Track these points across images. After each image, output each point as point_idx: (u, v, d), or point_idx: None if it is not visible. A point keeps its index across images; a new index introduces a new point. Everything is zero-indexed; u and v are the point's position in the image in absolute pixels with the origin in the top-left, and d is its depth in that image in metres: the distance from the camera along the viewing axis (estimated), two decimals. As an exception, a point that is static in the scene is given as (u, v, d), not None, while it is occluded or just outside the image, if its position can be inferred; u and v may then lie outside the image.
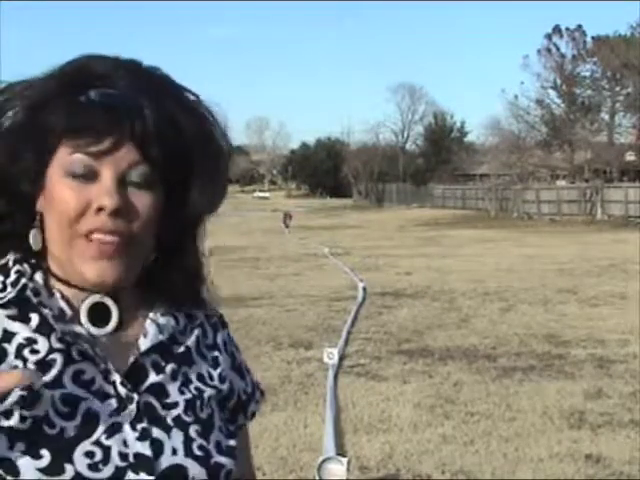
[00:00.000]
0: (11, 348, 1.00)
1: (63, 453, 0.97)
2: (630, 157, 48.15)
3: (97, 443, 0.99)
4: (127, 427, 1.01)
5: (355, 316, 10.46)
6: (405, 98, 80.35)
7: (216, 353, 1.16)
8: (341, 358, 7.78)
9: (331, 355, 7.44)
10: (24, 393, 0.96)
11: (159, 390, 1.06)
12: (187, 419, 1.06)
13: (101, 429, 1.00)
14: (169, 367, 1.07)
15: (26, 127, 1.02)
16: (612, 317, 10.20)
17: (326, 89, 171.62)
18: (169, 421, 1.04)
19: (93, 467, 0.98)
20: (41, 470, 0.96)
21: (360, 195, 73.77)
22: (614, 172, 47.86)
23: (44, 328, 1.01)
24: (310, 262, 19.33)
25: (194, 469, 1.03)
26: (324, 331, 9.57)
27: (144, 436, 1.02)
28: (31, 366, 0.99)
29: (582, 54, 52.53)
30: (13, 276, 1.04)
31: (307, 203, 74.44)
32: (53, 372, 1.00)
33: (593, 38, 52.12)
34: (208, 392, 1.11)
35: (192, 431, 1.05)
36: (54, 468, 0.96)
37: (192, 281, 1.12)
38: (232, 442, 1.11)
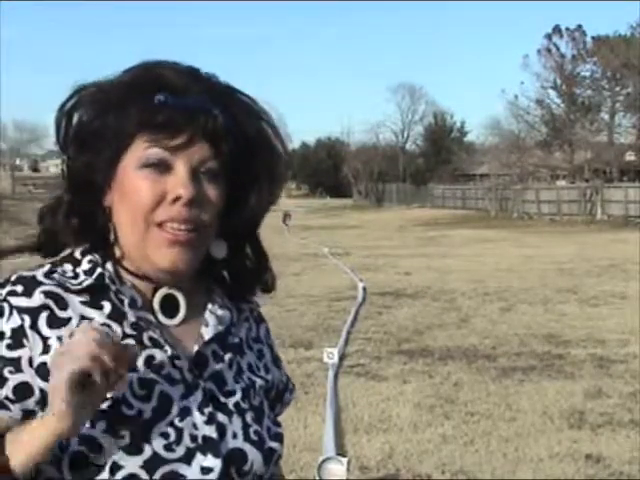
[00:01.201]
0: (60, 332, 1.06)
1: (141, 433, 1.03)
2: (630, 157, 48.16)
3: (171, 425, 1.05)
4: (195, 411, 1.08)
5: (355, 316, 10.46)
6: (405, 98, 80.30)
7: (261, 345, 1.25)
8: (341, 358, 7.78)
9: (331, 355, 7.44)
10: None
11: (219, 378, 1.13)
12: (244, 406, 1.13)
13: (174, 412, 1.06)
14: (227, 357, 1.15)
15: (100, 128, 1.08)
16: (612, 317, 10.20)
17: (326, 89, 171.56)
18: (230, 407, 1.12)
19: (168, 447, 1.04)
20: (122, 449, 1.01)
21: (360, 195, 73.75)
22: (614, 172, 47.84)
23: (117, 315, 1.08)
24: (310, 262, 19.33)
25: (252, 453, 1.11)
26: (324, 331, 9.57)
27: (211, 420, 1.08)
28: None
29: (582, 54, 52.50)
30: (86, 265, 1.11)
31: (307, 203, 74.44)
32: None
33: (593, 38, 52.10)
34: (258, 382, 1.18)
35: (249, 417, 1.13)
36: (134, 447, 1.02)
37: (247, 277, 1.20)
38: (280, 429, 1.19)
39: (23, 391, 1.02)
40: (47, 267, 1.11)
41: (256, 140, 1.13)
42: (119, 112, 1.06)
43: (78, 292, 1.08)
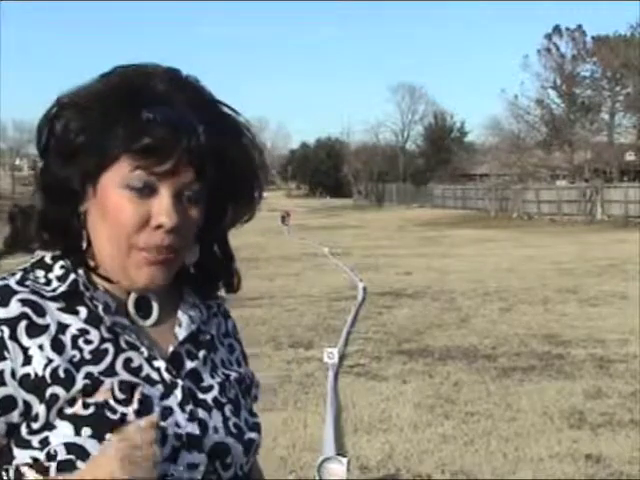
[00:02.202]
0: (66, 339, 1.06)
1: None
2: (630, 157, 48.12)
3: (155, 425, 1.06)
4: (177, 409, 1.09)
5: (355, 316, 10.46)
6: (405, 98, 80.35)
7: (230, 340, 1.26)
8: (341, 358, 7.78)
9: (331, 355, 7.44)
10: (87, 381, 1.03)
11: (196, 375, 1.14)
12: (222, 400, 1.15)
13: (157, 412, 1.06)
14: (201, 354, 1.16)
15: (84, 147, 1.06)
16: (612, 317, 10.20)
17: (326, 89, 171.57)
18: (210, 402, 1.13)
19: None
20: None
21: (360, 195, 73.75)
22: (614, 172, 47.84)
23: (93, 320, 1.09)
24: (310, 262, 19.33)
25: (234, 445, 1.12)
26: (324, 331, 9.57)
27: (192, 417, 1.10)
28: (87, 356, 1.05)
29: (582, 54, 52.50)
30: (59, 271, 1.11)
31: (307, 203, 74.43)
32: (107, 360, 1.07)
33: (593, 38, 52.10)
34: (232, 375, 1.20)
35: (227, 411, 1.14)
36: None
37: (215, 276, 1.22)
38: (257, 419, 1.22)
39: (7, 404, 1.02)
40: (19, 274, 1.10)
41: (238, 156, 1.12)
42: (104, 129, 1.05)
43: (53, 298, 1.08)
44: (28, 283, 1.08)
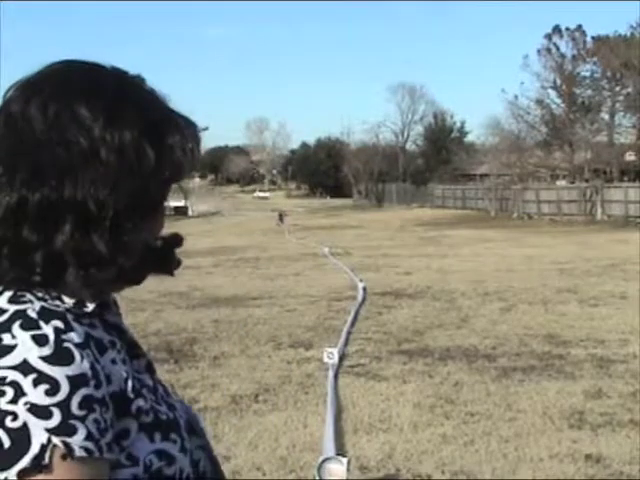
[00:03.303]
0: (110, 354, 1.02)
1: (179, 433, 1.05)
2: (630, 157, 48.15)
3: (181, 418, 1.09)
4: (173, 402, 1.11)
5: (355, 316, 10.45)
6: (405, 98, 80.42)
7: None
8: (341, 358, 7.77)
9: (331, 355, 7.43)
10: (146, 389, 1.04)
11: (153, 368, 1.15)
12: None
13: (171, 407, 1.08)
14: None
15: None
16: (612, 317, 10.19)
17: (326, 89, 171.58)
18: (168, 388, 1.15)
19: (188, 440, 1.08)
20: (180, 451, 1.04)
21: (360, 195, 73.75)
22: (614, 172, 47.86)
23: (106, 329, 1.05)
24: (310, 262, 19.32)
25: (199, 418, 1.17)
26: (324, 331, 9.56)
27: (180, 402, 1.13)
28: (127, 365, 1.04)
29: (582, 54, 52.52)
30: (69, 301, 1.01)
31: (307, 203, 74.44)
32: (128, 366, 1.05)
33: (593, 38, 52.13)
34: None
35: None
36: (183, 447, 1.05)
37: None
38: None
39: (121, 433, 1.00)
40: (32, 296, 0.99)
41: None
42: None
43: (84, 315, 1.01)
44: (54, 302, 0.99)
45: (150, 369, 1.13)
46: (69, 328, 0.96)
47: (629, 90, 48.40)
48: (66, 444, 0.91)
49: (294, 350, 8.49)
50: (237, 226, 38.21)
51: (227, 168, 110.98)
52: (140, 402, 1.01)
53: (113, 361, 1.00)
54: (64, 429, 0.91)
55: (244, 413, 6.18)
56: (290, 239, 29.31)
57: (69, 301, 1.00)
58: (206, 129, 1.10)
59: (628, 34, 49.06)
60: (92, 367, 0.95)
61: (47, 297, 0.99)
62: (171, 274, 1.10)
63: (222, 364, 7.85)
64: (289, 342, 8.90)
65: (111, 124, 0.98)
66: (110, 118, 0.99)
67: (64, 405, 0.91)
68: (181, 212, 40.31)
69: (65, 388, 0.92)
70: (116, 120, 0.99)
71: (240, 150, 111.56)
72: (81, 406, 0.92)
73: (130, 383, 1.00)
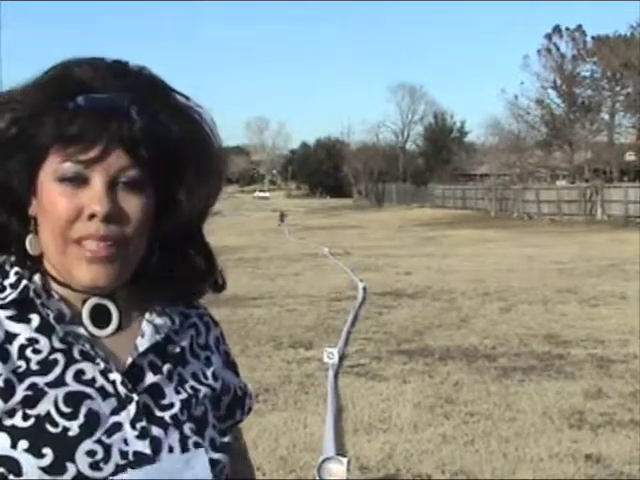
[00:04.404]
0: (13, 349, 1.01)
1: (66, 452, 0.98)
2: (630, 157, 48.16)
3: (99, 442, 1.00)
4: (127, 426, 1.02)
5: (355, 316, 10.45)
6: (405, 98, 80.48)
7: (208, 352, 1.17)
8: (341, 358, 7.78)
9: (331, 355, 7.43)
10: (29, 392, 0.98)
11: (157, 391, 1.07)
12: (182, 418, 1.07)
13: (102, 428, 1.01)
14: (165, 367, 1.09)
15: (16, 139, 1.02)
16: (612, 317, 10.20)
17: (326, 89, 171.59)
18: (167, 419, 1.06)
19: (94, 466, 0.99)
20: (43, 469, 0.96)
21: (360, 195, 73.79)
22: (614, 172, 47.86)
23: (45, 328, 1.03)
24: (310, 262, 19.33)
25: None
26: (324, 331, 9.57)
27: (143, 435, 1.03)
28: (34, 366, 1.00)
29: (582, 54, 52.53)
30: (13, 278, 1.05)
31: (307, 203, 74.43)
32: (56, 371, 1.01)
33: (593, 38, 52.14)
34: (203, 391, 1.12)
35: (187, 429, 1.07)
36: (56, 467, 0.97)
37: (190, 280, 1.12)
38: (226, 439, 1.13)
39: None
40: None
41: (181, 140, 1.05)
42: (35, 120, 1.02)
43: (3, 306, 1.03)
44: None
45: (146, 390, 1.06)
46: None
47: (629, 90, 48.40)
48: None
49: (294, 350, 8.50)
50: (237, 226, 38.16)
51: (227, 168, 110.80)
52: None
53: None
54: None
55: (244, 413, 6.17)
56: (290, 239, 29.33)
57: (6, 292, 1.04)
58: None
59: (628, 34, 49.09)
60: None
61: None
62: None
63: (222, 364, 7.85)
64: (289, 342, 8.90)
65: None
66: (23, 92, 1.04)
67: None
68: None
69: None
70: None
71: (240, 150, 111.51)
72: None
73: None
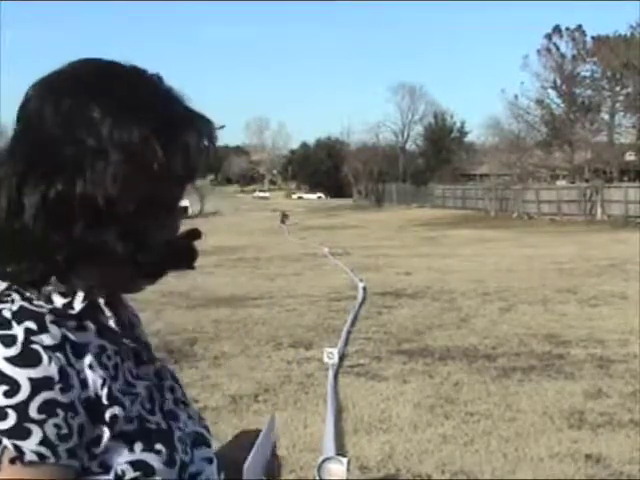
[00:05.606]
0: (87, 359, 0.98)
1: (169, 444, 1.02)
2: (630, 157, 48.18)
3: (179, 429, 1.06)
4: (178, 411, 1.09)
5: (355, 316, 10.46)
6: (405, 98, 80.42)
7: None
8: (341, 358, 7.78)
9: (331, 355, 7.44)
10: (132, 397, 1.01)
11: (163, 375, 1.12)
12: (180, 393, 1.14)
13: (171, 416, 1.06)
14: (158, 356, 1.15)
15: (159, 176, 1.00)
16: (612, 317, 10.20)
17: (326, 89, 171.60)
18: (180, 397, 1.12)
19: (184, 451, 1.04)
20: (165, 463, 1.00)
21: (360, 195, 73.80)
22: (614, 172, 47.85)
23: (101, 333, 1.02)
24: (310, 262, 19.33)
25: (207, 435, 1.13)
26: (324, 331, 9.57)
27: (189, 416, 1.11)
28: (112, 372, 1.00)
29: (582, 54, 52.50)
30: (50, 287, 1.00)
31: (307, 203, 74.42)
32: (121, 373, 1.02)
33: (593, 38, 52.10)
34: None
35: (188, 405, 1.14)
36: (170, 459, 1.01)
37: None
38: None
39: (85, 433, 0.96)
40: (15, 294, 0.98)
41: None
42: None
43: (67, 316, 0.99)
44: (39, 302, 0.98)
45: (159, 375, 1.10)
46: (43, 330, 0.94)
47: (629, 90, 48.37)
48: (17, 447, 0.89)
49: (294, 350, 8.50)
50: (237, 226, 38.20)
51: (227, 168, 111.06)
52: (116, 410, 0.96)
53: (90, 366, 0.97)
54: (17, 432, 0.89)
55: (244, 413, 6.18)
56: (290, 239, 29.32)
57: (59, 301, 0.98)
58: (223, 127, 1.08)
59: (628, 34, 49.04)
60: (61, 370, 0.93)
61: (34, 297, 0.98)
62: (192, 267, 1.08)
63: (222, 364, 7.86)
64: (289, 342, 8.90)
65: (119, 123, 0.97)
66: (119, 117, 0.98)
67: (21, 407, 0.90)
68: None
69: (25, 390, 0.90)
70: (125, 119, 0.98)
71: (240, 150, 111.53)
72: (40, 410, 0.90)
73: (106, 390, 0.96)
